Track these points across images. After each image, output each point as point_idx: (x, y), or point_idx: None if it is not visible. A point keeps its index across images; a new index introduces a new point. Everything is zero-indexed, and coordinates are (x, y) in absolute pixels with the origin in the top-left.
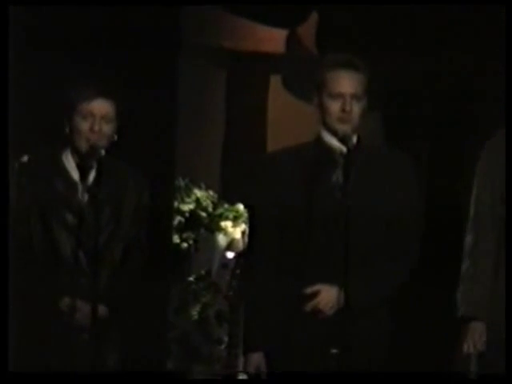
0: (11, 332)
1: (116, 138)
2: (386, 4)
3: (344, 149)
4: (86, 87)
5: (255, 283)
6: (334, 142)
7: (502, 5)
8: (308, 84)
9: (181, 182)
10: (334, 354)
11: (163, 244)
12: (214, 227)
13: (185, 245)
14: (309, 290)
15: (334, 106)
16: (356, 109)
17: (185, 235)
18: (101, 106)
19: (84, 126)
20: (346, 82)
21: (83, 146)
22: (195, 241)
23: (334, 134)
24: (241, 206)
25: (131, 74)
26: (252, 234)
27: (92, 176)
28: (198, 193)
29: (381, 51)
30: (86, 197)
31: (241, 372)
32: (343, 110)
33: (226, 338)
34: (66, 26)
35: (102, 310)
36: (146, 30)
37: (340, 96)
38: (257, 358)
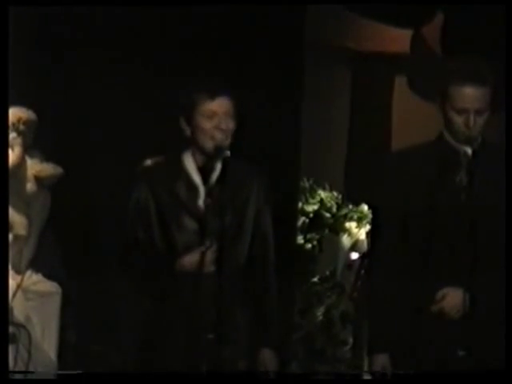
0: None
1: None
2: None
3: (467, 150)
4: (204, 88)
5: (379, 284)
6: (457, 143)
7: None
8: (433, 84)
9: (305, 183)
10: (461, 356)
11: (287, 245)
12: (338, 228)
13: (309, 245)
14: (436, 296)
15: (458, 120)
16: (480, 122)
17: (309, 236)
18: (222, 104)
19: (209, 124)
20: (471, 98)
21: (208, 145)
22: (319, 241)
23: (457, 139)
24: (365, 207)
25: (257, 74)
26: (375, 234)
27: (214, 178)
28: (323, 193)
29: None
30: (208, 200)
31: (366, 372)
32: (467, 126)
33: (350, 339)
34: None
35: (226, 311)
36: (272, 30)
37: (464, 111)
38: (382, 359)
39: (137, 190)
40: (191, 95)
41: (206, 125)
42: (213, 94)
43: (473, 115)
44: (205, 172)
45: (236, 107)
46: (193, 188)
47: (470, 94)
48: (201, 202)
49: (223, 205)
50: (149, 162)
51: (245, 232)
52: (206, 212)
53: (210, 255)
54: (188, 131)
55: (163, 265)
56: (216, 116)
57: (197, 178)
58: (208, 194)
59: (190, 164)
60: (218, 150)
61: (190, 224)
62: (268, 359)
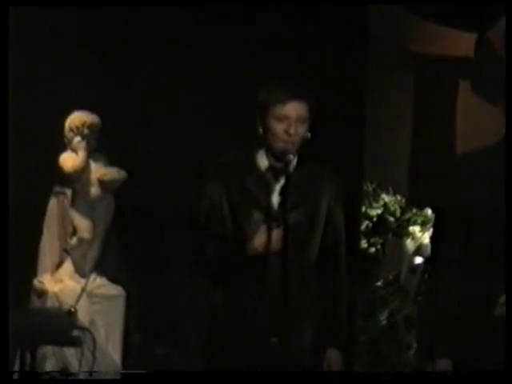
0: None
1: (309, 135)
2: None
3: None
4: (279, 90)
5: (442, 288)
6: None
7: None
8: (497, 86)
9: (369, 187)
10: None
11: (351, 249)
12: (401, 232)
13: (372, 249)
14: (500, 299)
15: None
16: None
17: (372, 240)
18: (295, 108)
19: (279, 128)
20: None
21: (278, 147)
22: (383, 246)
23: None
24: (429, 211)
25: (322, 76)
26: (439, 237)
27: (287, 176)
28: (386, 197)
29: None
30: (279, 197)
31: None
32: None
33: (414, 344)
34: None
35: (289, 311)
36: (336, 33)
37: None
38: (445, 364)
39: (211, 186)
40: (264, 97)
41: (277, 128)
42: (285, 99)
43: None
44: (277, 170)
45: (310, 112)
46: (265, 185)
47: None
48: (272, 199)
49: (294, 203)
50: (223, 158)
51: (315, 231)
52: (276, 209)
53: (276, 254)
54: (260, 131)
55: (234, 260)
56: (287, 120)
57: (269, 175)
58: (279, 191)
59: (263, 162)
60: (284, 153)
61: (261, 221)
62: (335, 359)
